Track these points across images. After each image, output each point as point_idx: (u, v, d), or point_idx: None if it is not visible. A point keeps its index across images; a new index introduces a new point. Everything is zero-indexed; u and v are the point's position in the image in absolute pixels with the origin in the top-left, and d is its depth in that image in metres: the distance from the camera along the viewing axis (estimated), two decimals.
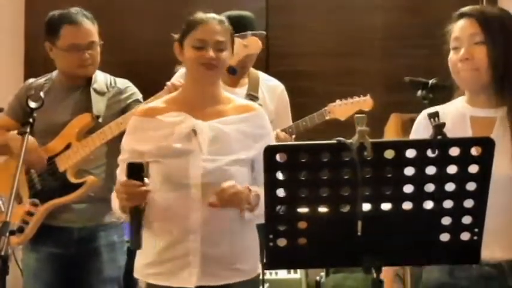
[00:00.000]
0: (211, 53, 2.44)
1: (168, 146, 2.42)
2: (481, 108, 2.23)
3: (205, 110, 2.50)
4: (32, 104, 2.63)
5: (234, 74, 3.31)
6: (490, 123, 2.19)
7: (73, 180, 3.04)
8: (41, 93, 2.68)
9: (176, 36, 2.54)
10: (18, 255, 3.22)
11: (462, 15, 2.25)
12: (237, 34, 3.32)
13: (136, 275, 2.53)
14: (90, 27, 3.10)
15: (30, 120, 2.60)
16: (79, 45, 3.06)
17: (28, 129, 2.58)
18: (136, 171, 2.30)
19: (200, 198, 2.39)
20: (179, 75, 3.28)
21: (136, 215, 2.33)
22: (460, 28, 2.23)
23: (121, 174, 2.51)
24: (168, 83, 2.99)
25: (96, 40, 3.11)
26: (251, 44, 3.04)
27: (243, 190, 2.35)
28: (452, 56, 2.24)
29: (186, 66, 2.54)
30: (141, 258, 2.49)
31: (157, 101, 2.62)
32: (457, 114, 2.23)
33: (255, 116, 2.55)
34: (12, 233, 2.32)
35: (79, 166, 3.06)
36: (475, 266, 2.13)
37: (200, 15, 2.51)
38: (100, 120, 3.05)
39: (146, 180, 2.31)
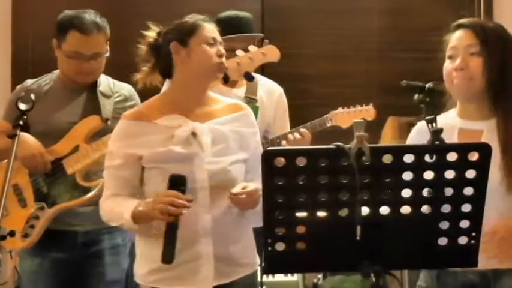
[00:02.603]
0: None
1: (170, 151, 2.40)
2: (470, 120, 2.27)
3: (195, 111, 2.49)
4: (22, 106, 2.59)
5: (251, 81, 3.30)
6: (476, 135, 2.24)
7: (83, 183, 2.97)
8: (32, 96, 2.63)
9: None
10: (6, 257, 3.17)
11: (460, 26, 2.30)
12: (234, 36, 3.32)
13: (138, 280, 2.51)
14: (99, 39, 3.01)
15: (21, 122, 2.56)
16: (82, 54, 2.99)
17: (18, 132, 2.55)
18: (180, 183, 2.28)
19: (208, 201, 2.40)
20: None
21: (174, 228, 2.28)
22: (457, 38, 2.28)
23: (109, 181, 2.49)
24: None
25: (102, 51, 3.03)
26: (269, 52, 3.05)
27: (256, 190, 2.32)
28: (447, 65, 2.30)
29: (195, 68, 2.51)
30: (145, 264, 2.47)
31: (143, 105, 2.59)
32: (447, 127, 2.24)
33: (245, 114, 2.57)
34: (3, 238, 2.30)
35: (88, 169, 3.00)
36: (461, 273, 2.19)
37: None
38: (109, 123, 2.99)
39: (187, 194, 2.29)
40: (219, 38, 2.50)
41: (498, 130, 2.22)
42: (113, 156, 2.49)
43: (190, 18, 2.52)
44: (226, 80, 2.97)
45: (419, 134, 2.34)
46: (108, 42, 3.08)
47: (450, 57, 2.29)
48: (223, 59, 2.48)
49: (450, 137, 2.22)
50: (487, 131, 2.24)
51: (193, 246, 2.39)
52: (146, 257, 2.48)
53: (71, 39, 2.99)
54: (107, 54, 3.07)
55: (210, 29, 2.49)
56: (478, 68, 2.23)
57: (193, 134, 2.43)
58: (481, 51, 2.23)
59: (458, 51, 2.26)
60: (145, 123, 2.47)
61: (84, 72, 3.04)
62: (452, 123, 2.29)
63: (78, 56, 2.99)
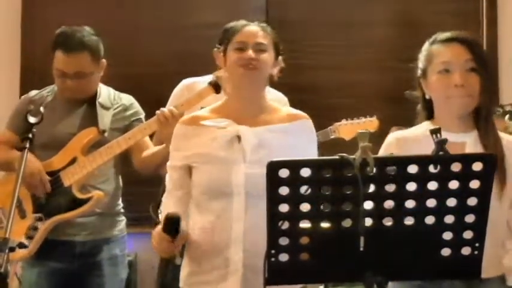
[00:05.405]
0: (250, 53, 2.42)
1: (210, 153, 2.39)
2: (452, 132, 2.24)
3: (251, 118, 2.45)
4: (32, 119, 2.61)
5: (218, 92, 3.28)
6: (460, 147, 2.24)
7: (79, 195, 3.00)
8: (41, 108, 2.65)
9: (220, 47, 2.53)
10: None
11: (453, 40, 2.29)
12: None
13: (180, 283, 2.49)
14: (82, 58, 3.02)
15: (30, 135, 2.58)
16: (64, 73, 3.03)
17: (27, 145, 2.56)
18: (171, 223, 2.25)
19: (243, 207, 2.35)
20: (176, 94, 3.27)
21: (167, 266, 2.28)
22: (451, 53, 2.27)
23: (167, 180, 2.49)
24: (158, 112, 2.95)
25: (86, 71, 3.04)
26: None
27: None
28: (442, 79, 2.27)
29: (229, 72, 2.50)
30: (185, 267, 2.48)
31: (203, 110, 2.56)
32: (427, 139, 2.22)
33: (302, 125, 2.50)
34: (12, 249, 2.31)
35: (85, 181, 3.03)
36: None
37: (242, 22, 2.53)
38: (106, 134, 3.03)
39: (181, 232, 2.27)
40: (252, 39, 2.44)
41: (482, 142, 2.25)
42: (170, 155, 2.51)
43: (233, 25, 2.53)
44: (217, 90, 2.97)
45: (387, 147, 2.33)
46: (100, 61, 3.08)
47: (444, 72, 2.27)
48: (251, 61, 2.41)
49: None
50: (471, 143, 2.26)
51: (224, 253, 2.36)
52: (185, 260, 2.48)
53: (56, 57, 3.05)
54: (100, 74, 3.09)
55: (243, 33, 2.46)
56: (476, 85, 2.24)
57: (238, 138, 2.40)
58: (477, 69, 2.25)
59: (455, 67, 2.25)
60: (194, 126, 2.46)
61: (70, 90, 3.05)
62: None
63: (61, 74, 3.03)
